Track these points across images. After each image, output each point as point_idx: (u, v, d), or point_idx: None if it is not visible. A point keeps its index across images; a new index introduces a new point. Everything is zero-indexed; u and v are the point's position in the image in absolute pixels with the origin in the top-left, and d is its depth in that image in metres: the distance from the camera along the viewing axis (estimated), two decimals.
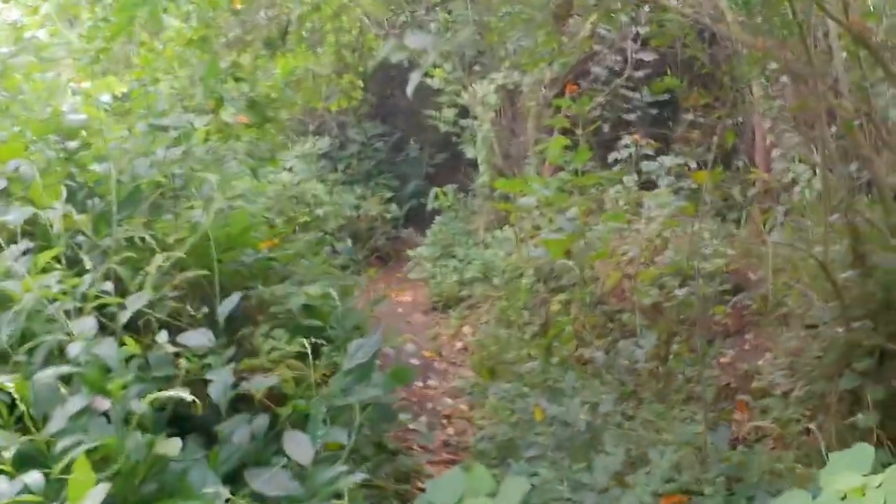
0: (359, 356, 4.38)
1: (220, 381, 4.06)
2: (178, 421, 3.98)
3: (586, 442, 5.55)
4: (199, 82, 7.14)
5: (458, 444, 7.37)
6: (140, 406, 3.48)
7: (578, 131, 10.31)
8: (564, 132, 10.20)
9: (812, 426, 5.68)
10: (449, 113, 12.96)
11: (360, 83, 10.66)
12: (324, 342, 5.03)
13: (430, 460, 6.87)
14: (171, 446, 3.47)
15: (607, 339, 8.57)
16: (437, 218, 12.78)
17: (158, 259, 4.49)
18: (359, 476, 3.86)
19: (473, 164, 12.80)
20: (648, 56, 11.78)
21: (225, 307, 4.60)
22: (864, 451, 2.34)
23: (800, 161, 9.27)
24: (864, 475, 2.22)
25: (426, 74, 13.10)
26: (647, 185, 10.65)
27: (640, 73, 11.96)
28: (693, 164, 10.38)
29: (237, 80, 7.63)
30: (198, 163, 5.95)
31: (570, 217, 8.23)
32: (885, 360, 5.55)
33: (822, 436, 5.47)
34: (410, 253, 12.47)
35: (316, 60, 9.86)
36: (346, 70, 10.73)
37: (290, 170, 13.07)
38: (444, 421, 8.08)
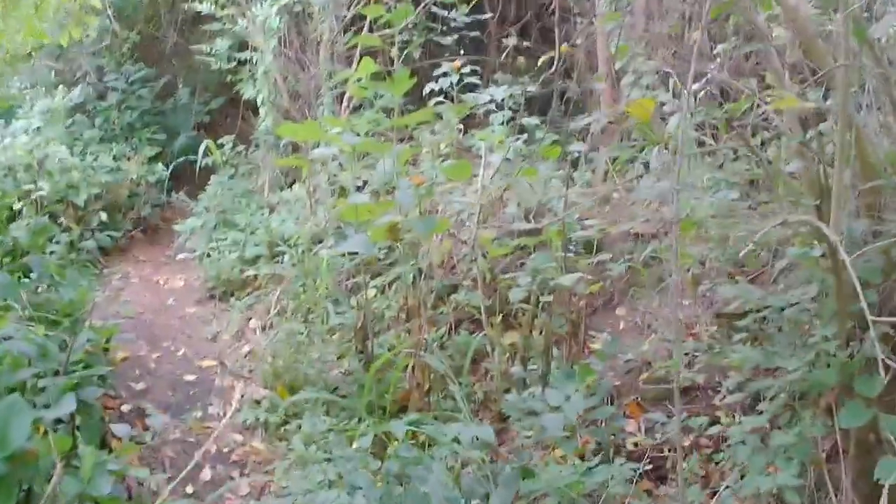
0: None
1: None
2: None
3: None
4: None
5: None
6: None
7: (394, 51, 7.90)
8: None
9: None
10: (223, 45, 10.34)
11: (97, 4, 8.02)
12: None
13: None
14: None
15: (439, 328, 6.42)
16: (213, 177, 10.18)
17: None
18: None
19: (256, 109, 10.23)
20: None
21: None
22: None
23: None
24: None
25: None
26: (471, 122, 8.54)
27: None
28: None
29: None
30: None
31: (388, 171, 5.95)
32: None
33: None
34: (178, 227, 9.79)
35: None
36: None
37: (36, 130, 10.30)
38: (235, 473, 5.90)
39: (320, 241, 7.73)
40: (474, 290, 6.41)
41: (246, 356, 7.38)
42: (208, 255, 8.88)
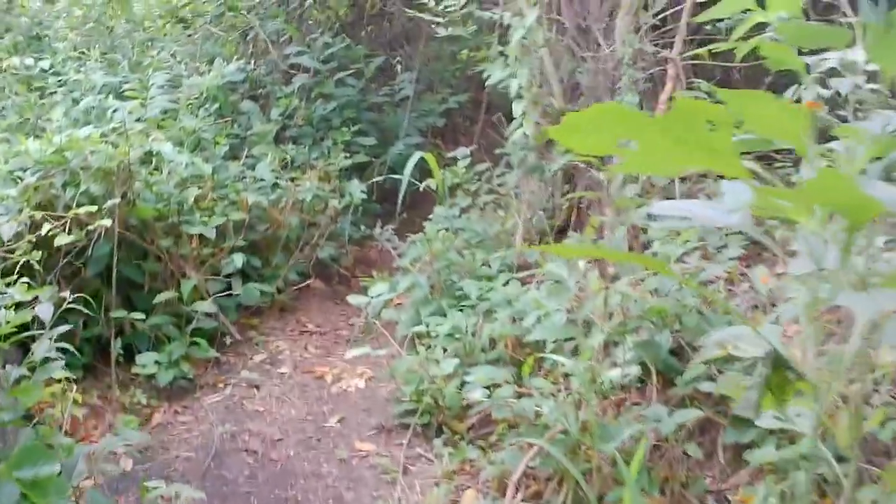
0: None
1: None
2: None
3: None
4: None
5: None
6: None
7: None
8: None
9: None
10: (453, 1, 6.55)
11: None
12: None
13: None
14: None
15: None
16: (435, 209, 6.42)
17: None
18: None
19: (509, 109, 6.40)
20: None
21: None
22: None
23: None
24: None
25: None
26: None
27: None
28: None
29: None
30: None
31: None
32: None
33: None
34: (355, 300, 5.66)
35: None
36: None
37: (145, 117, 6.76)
38: None
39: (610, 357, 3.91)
40: None
41: None
42: (409, 352, 5.05)
